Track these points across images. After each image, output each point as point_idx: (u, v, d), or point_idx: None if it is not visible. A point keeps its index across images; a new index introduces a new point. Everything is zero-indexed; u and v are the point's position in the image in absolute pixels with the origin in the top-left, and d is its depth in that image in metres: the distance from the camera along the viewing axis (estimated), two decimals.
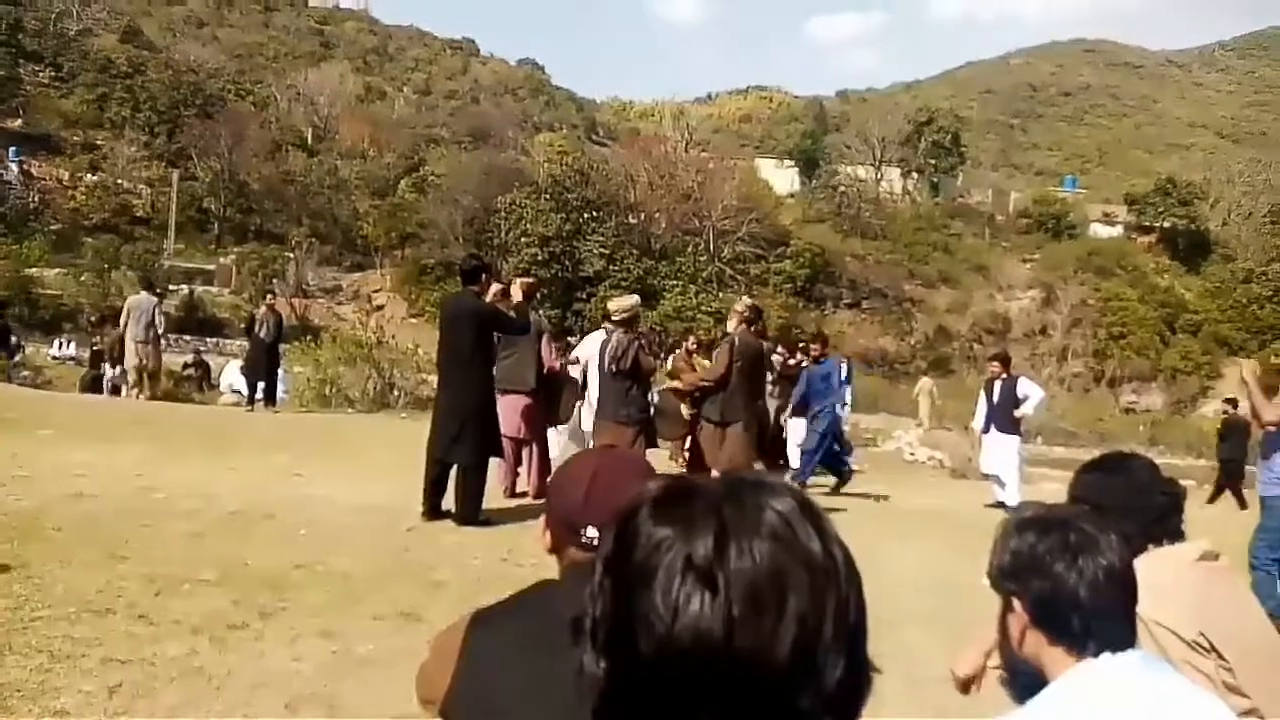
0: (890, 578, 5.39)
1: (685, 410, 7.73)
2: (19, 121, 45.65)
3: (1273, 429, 5.48)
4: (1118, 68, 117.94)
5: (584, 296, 38.87)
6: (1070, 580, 1.44)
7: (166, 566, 4.66)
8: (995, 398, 9.83)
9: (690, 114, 68.77)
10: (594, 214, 41.81)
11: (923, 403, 23.33)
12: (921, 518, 8.53)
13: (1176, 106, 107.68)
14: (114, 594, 4.19)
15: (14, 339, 17.61)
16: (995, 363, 10.35)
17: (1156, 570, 1.84)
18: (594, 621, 0.69)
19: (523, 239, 40.22)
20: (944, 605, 5.11)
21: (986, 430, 9.94)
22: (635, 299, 7.64)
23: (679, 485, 0.72)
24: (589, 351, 8.05)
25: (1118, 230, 57.74)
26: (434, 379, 7.52)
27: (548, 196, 41.21)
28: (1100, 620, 1.43)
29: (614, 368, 6.87)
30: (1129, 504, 1.97)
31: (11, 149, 42.23)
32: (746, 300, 7.39)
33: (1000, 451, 9.74)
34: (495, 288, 6.57)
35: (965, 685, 2.07)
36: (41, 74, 49.57)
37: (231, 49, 70.20)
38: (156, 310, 13.48)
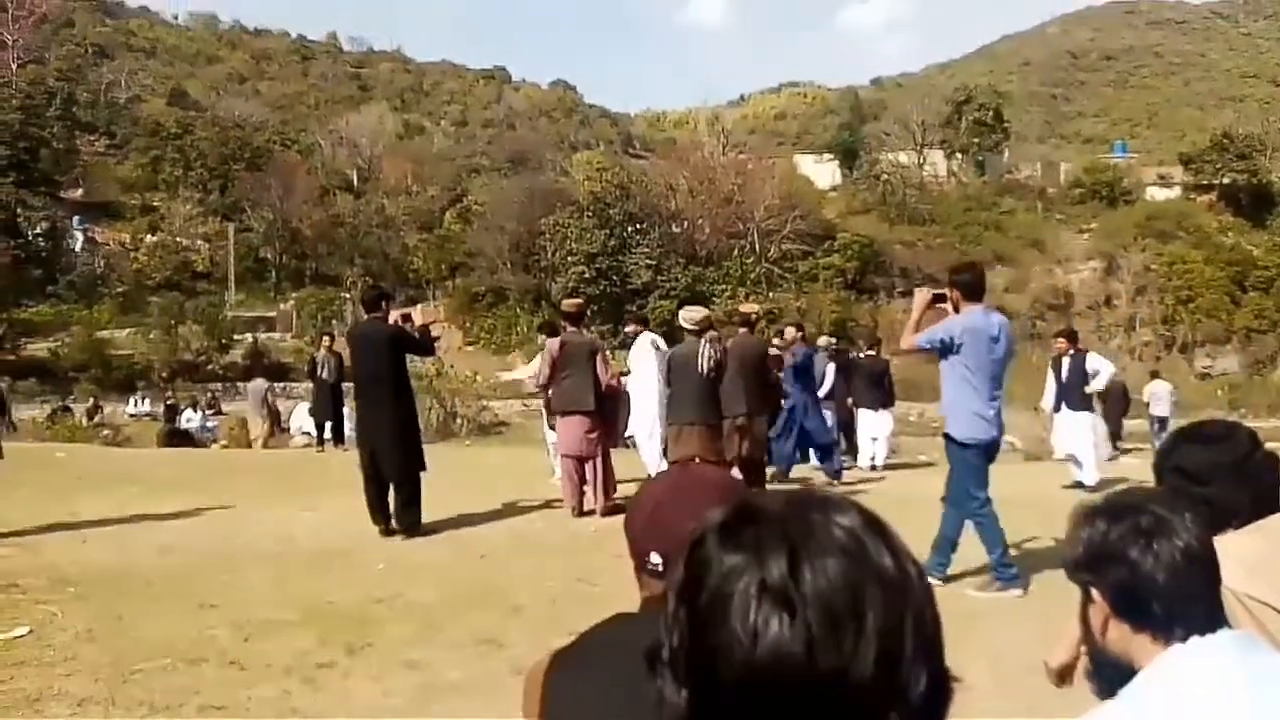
0: (970, 569, 5.30)
1: None
2: (80, 191, 47.43)
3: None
4: (1160, 25, 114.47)
5: (633, 309, 38.92)
6: (1147, 565, 1.40)
7: (253, 610, 4.79)
8: (1064, 375, 9.63)
9: (724, 117, 68.59)
10: (637, 226, 41.93)
11: None
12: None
13: (1225, 59, 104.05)
14: (206, 642, 4.32)
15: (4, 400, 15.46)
16: (1062, 339, 10.15)
17: (1248, 543, 1.79)
18: (672, 652, 0.70)
19: (569, 258, 40.51)
20: (1027, 594, 5.01)
21: (1057, 409, 9.73)
22: (705, 310, 7.76)
23: (742, 509, 0.73)
24: (641, 362, 8.19)
25: (1175, 192, 55.90)
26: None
27: (590, 214, 41.46)
28: (1183, 603, 1.39)
29: (713, 372, 6.95)
30: (1237, 477, 1.90)
31: (75, 218, 43.98)
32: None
33: (1074, 430, 9.52)
34: (395, 314, 7.32)
35: (1060, 677, 2.03)
36: (97, 143, 51.52)
37: (274, 101, 72.25)
38: (269, 392, 16.95)
